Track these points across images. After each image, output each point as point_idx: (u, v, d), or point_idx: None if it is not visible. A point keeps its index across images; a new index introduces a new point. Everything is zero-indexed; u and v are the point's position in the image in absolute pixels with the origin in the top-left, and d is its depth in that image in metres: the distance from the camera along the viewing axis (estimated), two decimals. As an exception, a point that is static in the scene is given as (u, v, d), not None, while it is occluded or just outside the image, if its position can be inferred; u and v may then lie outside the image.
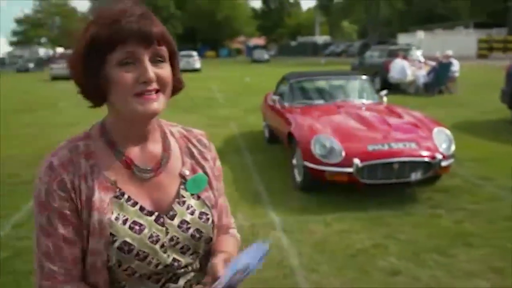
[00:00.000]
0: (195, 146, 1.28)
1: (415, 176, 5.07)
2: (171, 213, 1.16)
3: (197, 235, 1.18)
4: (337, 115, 6.24)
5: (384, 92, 7.61)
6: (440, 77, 15.44)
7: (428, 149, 5.18)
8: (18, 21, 79.66)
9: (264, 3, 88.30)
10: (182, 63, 37.22)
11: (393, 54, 17.36)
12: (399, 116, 6.13)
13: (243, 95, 16.86)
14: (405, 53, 17.75)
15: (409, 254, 3.99)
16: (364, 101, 6.95)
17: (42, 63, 54.66)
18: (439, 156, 5.11)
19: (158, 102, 1.08)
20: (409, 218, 4.80)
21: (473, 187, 5.77)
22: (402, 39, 49.00)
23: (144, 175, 1.16)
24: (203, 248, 1.21)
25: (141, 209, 1.13)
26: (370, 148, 5.12)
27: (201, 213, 1.20)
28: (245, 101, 14.81)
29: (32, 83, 29.73)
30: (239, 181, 6.21)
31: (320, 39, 65.39)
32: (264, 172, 6.63)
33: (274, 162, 7.13)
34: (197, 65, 36.59)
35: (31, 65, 51.08)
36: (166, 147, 1.21)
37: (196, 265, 1.23)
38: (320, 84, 7.43)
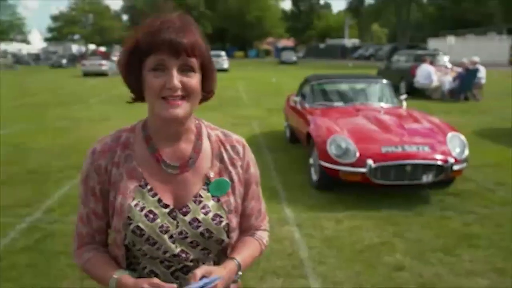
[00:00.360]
0: (227, 151, 1.34)
1: (427, 178, 5.24)
2: (184, 209, 1.25)
3: (207, 234, 1.25)
4: (355, 117, 6.43)
5: (403, 96, 7.78)
6: (465, 83, 15.39)
7: (441, 153, 5.34)
8: (54, 18, 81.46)
9: (294, 5, 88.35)
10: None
11: (419, 59, 17.32)
12: (416, 120, 6.28)
13: (268, 96, 17.08)
14: (431, 58, 17.71)
15: (415, 252, 4.17)
16: (383, 104, 7.11)
17: (75, 59, 55.90)
18: (452, 160, 5.26)
19: (181, 108, 1.19)
20: (419, 218, 4.98)
21: (485, 192, 5.89)
22: (432, 44, 48.41)
23: (170, 171, 1.27)
24: (214, 247, 1.29)
25: (159, 201, 1.25)
26: (384, 150, 5.30)
27: (216, 215, 1.27)
28: (269, 101, 15.03)
29: (65, 78, 30.54)
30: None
31: (349, 42, 65.10)
32: (282, 171, 6.86)
33: (294, 161, 7.35)
34: (225, 65, 36.88)
35: (64, 61, 52.18)
36: (196, 148, 1.30)
37: (209, 260, 1.31)
38: (341, 87, 7.62)
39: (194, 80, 1.20)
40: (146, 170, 1.27)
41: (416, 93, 16.61)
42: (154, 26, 1.19)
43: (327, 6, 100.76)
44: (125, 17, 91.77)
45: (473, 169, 6.87)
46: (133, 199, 1.24)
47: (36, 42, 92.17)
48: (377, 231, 4.64)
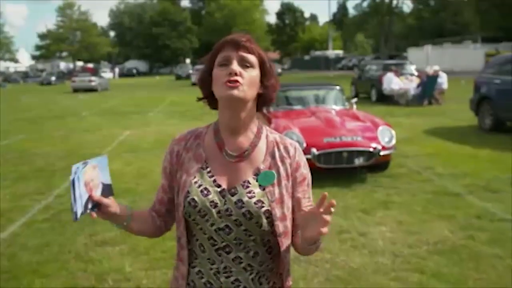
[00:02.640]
0: (279, 150, 1.52)
1: (359, 161, 6.63)
2: (233, 190, 1.44)
3: (248, 216, 1.41)
4: (308, 117, 7.80)
5: (354, 100, 9.17)
6: (427, 89, 16.90)
7: (370, 141, 6.72)
8: (41, 36, 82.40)
9: (278, 18, 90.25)
10: (197, 76, 38.95)
11: (386, 68, 18.85)
12: (357, 118, 7.68)
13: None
14: (398, 67, 19.23)
15: (341, 213, 5.49)
16: (335, 107, 8.48)
17: (63, 76, 56.98)
18: (379, 147, 6.65)
19: (238, 90, 1.39)
20: (352, 192, 6.35)
21: (413, 174, 7.26)
22: (412, 53, 50.06)
23: (229, 159, 1.48)
24: (255, 230, 1.44)
25: (214, 181, 1.46)
26: (325, 140, 6.68)
27: (259, 201, 1.42)
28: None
29: (56, 94, 31.78)
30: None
31: (332, 53, 66.89)
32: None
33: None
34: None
35: (53, 78, 53.23)
36: (252, 144, 1.50)
37: (250, 243, 1.46)
38: (300, 93, 9.01)
39: (251, 74, 1.43)
40: (209, 155, 1.50)
41: (385, 99, 18.12)
42: (225, 37, 1.49)
43: (314, 18, 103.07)
44: (112, 34, 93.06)
45: (410, 158, 8.31)
46: (194, 177, 1.47)
47: (24, 60, 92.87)
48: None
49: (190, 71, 45.35)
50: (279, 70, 53.63)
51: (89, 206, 1.37)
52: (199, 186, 1.45)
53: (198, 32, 77.98)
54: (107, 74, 54.84)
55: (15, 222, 5.49)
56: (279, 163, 1.49)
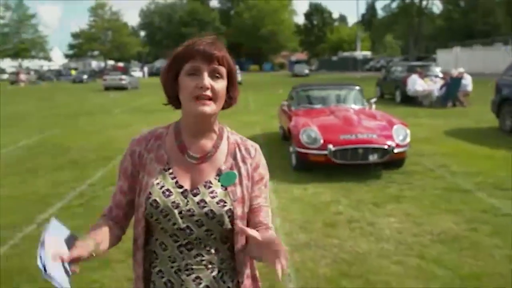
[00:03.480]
0: (241, 151, 1.55)
1: (373, 158, 6.96)
2: (195, 191, 1.46)
3: (210, 215, 1.43)
4: (327, 115, 8.16)
5: (373, 100, 9.44)
6: (451, 91, 16.97)
7: (385, 139, 7.04)
8: (74, 35, 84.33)
9: (307, 19, 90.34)
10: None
11: (411, 70, 18.97)
12: (374, 117, 8.01)
13: (273, 105, 18.71)
14: (423, 69, 19.31)
15: (353, 205, 5.87)
16: (353, 106, 8.81)
17: (95, 74, 58.32)
18: (393, 144, 6.96)
19: (209, 107, 1.41)
20: (366, 187, 6.67)
21: (427, 171, 7.53)
22: (441, 55, 49.54)
23: (191, 160, 1.50)
24: (216, 229, 1.47)
25: (176, 182, 1.47)
26: (342, 137, 7.03)
27: (221, 200, 1.45)
28: (272, 109, 16.73)
29: (88, 92, 32.75)
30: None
31: (360, 54, 66.68)
32: (271, 159, 8.55)
33: (282, 153, 9.02)
34: (239, 78, 38.64)
35: (85, 76, 54.59)
36: (215, 145, 1.52)
37: (211, 242, 1.49)
38: (321, 93, 9.38)
39: (221, 85, 1.44)
40: (171, 157, 1.51)
41: (410, 100, 18.25)
42: (191, 42, 1.45)
43: (343, 18, 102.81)
44: (142, 33, 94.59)
45: (426, 156, 8.56)
46: (156, 178, 1.48)
47: (57, 59, 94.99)
48: (331, 194, 6.35)
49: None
50: (307, 71, 53.68)
51: (68, 269, 1.28)
52: (161, 187, 1.46)
53: (227, 32, 78.70)
54: (136, 73, 55.96)
55: (53, 206, 6.03)
56: (241, 164, 1.53)
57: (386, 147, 6.96)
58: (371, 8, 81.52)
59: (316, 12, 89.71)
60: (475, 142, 9.90)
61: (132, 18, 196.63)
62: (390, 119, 7.78)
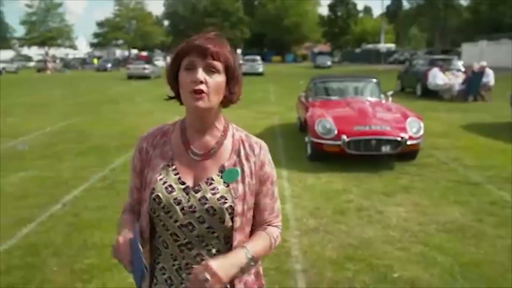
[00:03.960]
0: (245, 149, 1.55)
1: (386, 149, 7.12)
2: (197, 187, 1.48)
3: (211, 211, 1.45)
4: (343, 107, 8.32)
5: (390, 93, 9.56)
6: (472, 85, 16.88)
7: (399, 131, 7.18)
8: (99, 24, 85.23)
9: (330, 10, 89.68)
10: (246, 67, 39.42)
11: (433, 63, 18.89)
12: (389, 109, 8.14)
13: (293, 96, 18.92)
14: (445, 63, 19.20)
15: (364, 194, 6.06)
16: (369, 98, 8.94)
17: (119, 63, 59.02)
18: (406, 136, 7.10)
19: (203, 101, 1.43)
20: (378, 178, 6.84)
21: (440, 164, 7.66)
22: (466, 48, 48.86)
23: (195, 157, 1.52)
24: (217, 226, 1.48)
25: (179, 178, 1.50)
26: (355, 128, 7.20)
27: (222, 197, 1.46)
28: (292, 100, 16.90)
29: (111, 81, 33.30)
30: (267, 153, 8.43)
31: (384, 46, 66.04)
32: (288, 149, 8.78)
33: (299, 144, 9.18)
34: (260, 69, 38.71)
35: (109, 65, 55.28)
36: (219, 142, 1.53)
37: (212, 240, 1.50)
38: (338, 85, 9.52)
39: (216, 80, 1.44)
40: (175, 153, 1.54)
41: (431, 94, 18.19)
42: (192, 38, 1.48)
43: (368, 10, 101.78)
44: (166, 23, 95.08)
45: (440, 150, 8.67)
46: (160, 174, 1.51)
47: (82, 47, 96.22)
48: (343, 183, 6.54)
49: (241, 61, 45.79)
50: (329, 63, 53.38)
51: (144, 265, 1.43)
52: (164, 183, 1.49)
53: (250, 23, 78.67)
54: (160, 62, 56.47)
55: (78, 188, 6.36)
56: (244, 161, 1.53)
57: (399, 139, 7.11)
58: (396, 0, 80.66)
59: (340, 3, 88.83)
60: (491, 136, 9.94)
61: (156, 8, 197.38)
62: (405, 112, 7.91)
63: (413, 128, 7.34)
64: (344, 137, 7.10)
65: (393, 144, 7.14)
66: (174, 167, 1.52)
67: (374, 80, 9.61)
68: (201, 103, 1.43)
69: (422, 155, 7.95)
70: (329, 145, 7.25)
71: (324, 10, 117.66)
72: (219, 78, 1.46)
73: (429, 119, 11.88)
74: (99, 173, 7.18)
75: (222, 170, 1.51)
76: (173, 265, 1.53)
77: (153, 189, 1.49)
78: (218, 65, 1.45)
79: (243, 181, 1.51)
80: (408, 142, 7.15)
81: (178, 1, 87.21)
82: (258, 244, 1.52)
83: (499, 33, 50.67)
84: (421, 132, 7.39)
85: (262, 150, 1.58)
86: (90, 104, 17.36)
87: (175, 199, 1.47)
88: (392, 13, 78.74)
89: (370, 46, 73.83)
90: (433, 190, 6.26)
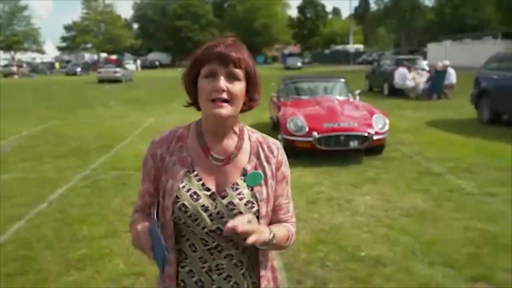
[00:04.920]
0: (263, 150, 1.55)
1: (354, 144, 7.61)
2: (223, 193, 1.47)
3: None
4: (313, 106, 8.78)
5: (357, 91, 10.07)
6: (436, 84, 17.63)
7: (365, 127, 7.67)
8: (67, 28, 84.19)
9: (300, 12, 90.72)
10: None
11: (399, 63, 19.61)
12: (356, 107, 8.65)
13: (265, 97, 19.39)
14: (410, 62, 19.96)
15: (334, 186, 6.50)
16: (338, 97, 9.43)
17: (88, 67, 58.52)
18: (372, 132, 7.59)
19: (225, 109, 1.42)
20: (347, 171, 7.31)
21: (405, 158, 8.18)
22: (432, 48, 50.19)
23: (215, 162, 1.51)
24: None
25: (203, 185, 1.48)
26: (325, 125, 7.67)
27: (248, 202, 1.47)
28: (265, 102, 17.38)
29: (82, 85, 33.19)
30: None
31: (352, 47, 67.25)
32: (262, 147, 9.18)
33: (272, 141, 9.67)
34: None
35: (79, 69, 54.72)
36: (238, 146, 1.53)
37: (239, 242, 1.49)
38: (308, 85, 10.00)
39: (237, 87, 1.43)
40: (194, 159, 1.50)
41: (397, 92, 18.88)
42: (210, 44, 1.46)
43: (336, 12, 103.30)
44: (135, 26, 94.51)
45: (405, 145, 9.21)
46: (182, 181, 1.47)
47: (50, 51, 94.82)
48: (315, 177, 6.98)
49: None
50: (299, 64, 54.08)
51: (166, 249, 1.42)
52: (188, 190, 1.47)
53: (220, 25, 78.96)
54: (130, 65, 56.25)
55: (62, 187, 6.63)
56: (265, 163, 1.53)
57: (366, 134, 7.60)
58: (364, 2, 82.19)
59: (309, 5, 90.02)
60: (453, 131, 10.56)
61: (125, 11, 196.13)
62: (371, 109, 8.41)
63: (379, 124, 7.84)
64: (315, 133, 7.55)
65: (360, 139, 7.63)
66: (195, 173, 1.50)
67: (342, 80, 10.11)
68: (223, 112, 1.43)
69: (388, 150, 8.47)
70: (301, 141, 7.69)
71: (293, 12, 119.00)
72: (240, 86, 1.46)
73: (396, 117, 12.50)
74: (81, 173, 7.44)
75: (244, 174, 1.51)
76: (203, 267, 1.52)
77: (177, 197, 1.46)
78: (240, 72, 1.45)
79: (266, 184, 1.52)
80: (375, 137, 7.65)
81: (147, 4, 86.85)
82: (279, 230, 1.53)
83: (462, 34, 52.30)
84: (387, 127, 7.90)
85: (279, 150, 1.59)
86: (64, 108, 17.45)
87: (202, 206, 1.46)
88: (360, 14, 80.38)
89: (339, 47, 75.06)
90: (398, 180, 6.75)
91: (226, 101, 1.42)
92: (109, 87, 29.04)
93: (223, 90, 1.41)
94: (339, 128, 7.65)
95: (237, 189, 1.48)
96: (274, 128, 10.47)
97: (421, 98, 17.79)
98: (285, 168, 1.61)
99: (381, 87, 20.79)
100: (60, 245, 4.65)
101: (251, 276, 1.57)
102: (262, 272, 1.57)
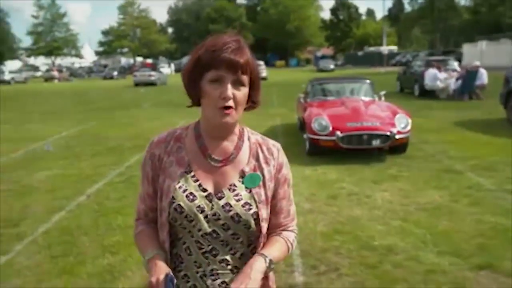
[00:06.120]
0: (263, 152, 1.54)
1: (376, 143, 7.83)
2: (220, 194, 1.46)
3: (236, 218, 1.43)
4: (338, 106, 9.04)
5: (383, 92, 10.27)
6: (467, 84, 17.55)
7: (387, 126, 7.90)
8: (104, 33, 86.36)
9: (333, 14, 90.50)
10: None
11: (429, 64, 19.57)
12: (380, 107, 8.90)
13: (295, 99, 19.71)
14: (441, 63, 19.87)
15: (355, 182, 6.77)
16: (363, 98, 9.66)
17: (124, 71, 59.98)
18: (394, 131, 7.81)
19: (231, 117, 1.42)
20: (369, 168, 7.55)
21: (428, 156, 8.34)
22: (467, 49, 49.33)
23: (213, 163, 1.49)
24: (243, 232, 1.47)
25: (199, 185, 1.46)
26: (348, 124, 7.93)
27: (246, 203, 1.45)
28: (294, 103, 17.66)
29: (119, 88, 34.20)
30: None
31: (386, 49, 66.68)
32: (288, 146, 9.45)
33: (298, 141, 9.93)
34: (264, 73, 39.36)
35: (115, 73, 56.17)
36: (237, 147, 1.52)
37: (237, 245, 1.49)
38: (334, 86, 10.26)
39: (243, 93, 1.43)
40: (192, 160, 1.50)
41: (428, 94, 18.85)
42: (215, 46, 1.41)
43: (370, 13, 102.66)
44: (170, 30, 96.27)
45: (430, 144, 9.36)
46: (178, 182, 1.47)
47: (88, 56, 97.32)
48: (337, 174, 7.25)
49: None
50: (332, 66, 53.94)
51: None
52: (184, 191, 1.45)
53: (253, 28, 79.59)
54: (165, 69, 57.31)
55: (99, 182, 7.13)
56: (264, 165, 1.52)
57: (388, 133, 7.82)
58: (398, 2, 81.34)
59: (342, 7, 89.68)
60: (479, 131, 10.61)
61: (160, 16, 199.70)
62: (395, 109, 8.62)
63: (401, 124, 8.05)
64: (338, 133, 7.82)
65: (383, 138, 7.86)
66: (192, 173, 1.49)
67: (368, 81, 10.33)
68: (229, 119, 1.43)
69: (413, 148, 8.65)
70: (325, 140, 7.98)
71: (326, 14, 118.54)
72: (245, 91, 1.46)
73: (423, 117, 12.64)
74: (117, 169, 7.93)
75: (242, 175, 1.50)
76: (197, 272, 1.49)
77: (173, 198, 1.45)
78: (245, 78, 1.44)
79: (264, 186, 1.50)
80: (397, 136, 7.86)
81: (181, 8, 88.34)
82: (275, 249, 1.51)
83: (498, 33, 51.20)
84: (409, 127, 8.09)
85: (280, 152, 1.58)
86: (101, 111, 18.19)
87: (198, 207, 1.44)
88: (394, 15, 79.51)
89: (372, 48, 74.52)
90: (418, 177, 6.96)
91: (232, 107, 1.42)
92: (143, 90, 29.83)
93: (230, 98, 1.40)
94: (362, 127, 7.91)
95: (234, 190, 1.47)
96: (301, 128, 10.76)
97: (452, 99, 17.72)
98: (286, 170, 1.59)
99: (412, 88, 20.74)
100: (97, 232, 5.10)
101: None
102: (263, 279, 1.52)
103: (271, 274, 1.55)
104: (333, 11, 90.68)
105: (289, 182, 1.60)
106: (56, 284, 3.97)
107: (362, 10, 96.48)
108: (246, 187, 1.48)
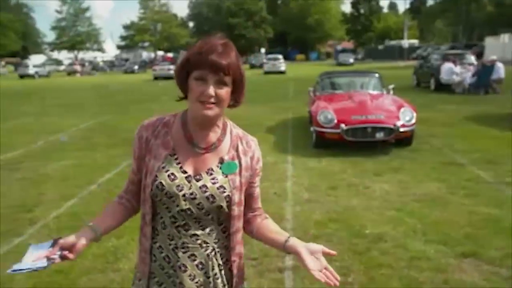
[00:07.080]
0: (242, 144, 1.71)
1: (380, 135, 7.99)
2: (198, 177, 1.62)
3: (211, 199, 1.60)
4: (345, 100, 9.19)
5: (391, 86, 10.37)
6: (483, 78, 17.46)
7: (392, 119, 8.04)
8: (126, 27, 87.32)
9: (353, 7, 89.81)
10: (268, 66, 40.31)
11: (446, 58, 19.48)
12: (387, 101, 9.03)
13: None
14: (458, 57, 19.76)
15: (357, 173, 6.95)
16: (371, 91, 9.80)
17: (145, 65, 60.54)
18: (399, 124, 7.95)
19: (212, 111, 1.56)
20: (372, 160, 7.71)
21: (433, 149, 8.46)
22: (489, 42, 48.57)
23: (197, 150, 1.65)
24: (215, 212, 1.63)
25: (181, 167, 1.63)
26: (353, 117, 8.10)
27: (221, 186, 1.62)
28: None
29: (139, 82, 34.71)
30: (277, 142, 9.39)
31: (406, 43, 66.01)
32: (296, 138, 9.73)
33: (307, 134, 10.11)
34: (282, 67, 39.55)
35: (136, 67, 56.64)
36: (219, 139, 1.68)
37: (207, 222, 1.65)
38: (342, 79, 10.42)
39: (225, 90, 1.56)
40: (177, 144, 1.65)
41: (444, 88, 18.78)
42: (202, 48, 1.56)
43: (393, 6, 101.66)
44: (191, 24, 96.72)
45: (436, 137, 9.47)
46: (162, 163, 1.62)
47: (110, 50, 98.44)
48: (340, 166, 7.44)
49: (264, 61, 46.52)
50: (351, 60, 53.56)
51: (56, 254, 1.56)
52: (167, 171, 1.60)
53: (273, 22, 79.55)
54: (185, 63, 57.58)
55: (110, 172, 7.46)
56: (242, 156, 1.68)
57: (392, 126, 7.97)
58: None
59: (363, 0, 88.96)
60: (488, 125, 10.66)
61: (181, 9, 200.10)
62: (401, 103, 8.74)
63: (406, 117, 8.18)
64: (343, 125, 8.00)
65: (387, 131, 8.01)
66: (176, 156, 1.63)
67: (376, 75, 10.46)
68: (210, 113, 1.56)
69: (419, 141, 8.79)
70: (330, 133, 8.16)
71: (347, 8, 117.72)
72: (227, 89, 1.58)
73: (436, 111, 12.73)
74: (128, 160, 8.19)
75: (221, 162, 1.65)
76: (170, 244, 1.64)
77: (156, 176, 1.60)
78: (228, 79, 1.57)
79: (240, 174, 1.66)
80: (401, 129, 8.00)
81: (202, 2, 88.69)
82: (278, 227, 1.78)
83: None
84: (414, 120, 8.22)
85: (257, 146, 1.75)
86: (120, 104, 18.60)
87: (177, 186, 1.59)
88: (416, 8, 78.58)
89: (393, 42, 73.72)
90: (419, 170, 7.11)
91: (213, 103, 1.55)
92: (162, 84, 30.24)
93: (211, 96, 1.54)
94: (366, 120, 8.06)
95: (211, 174, 1.62)
96: (311, 121, 10.96)
97: (468, 93, 17.65)
98: (261, 162, 1.77)
99: (428, 82, 20.68)
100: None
101: (217, 259, 1.67)
102: (230, 257, 1.71)
103: (242, 250, 1.77)
104: (354, 4, 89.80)
105: (260, 172, 1.78)
106: (62, 264, 4.26)
107: (385, 3, 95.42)
108: (223, 173, 1.63)
